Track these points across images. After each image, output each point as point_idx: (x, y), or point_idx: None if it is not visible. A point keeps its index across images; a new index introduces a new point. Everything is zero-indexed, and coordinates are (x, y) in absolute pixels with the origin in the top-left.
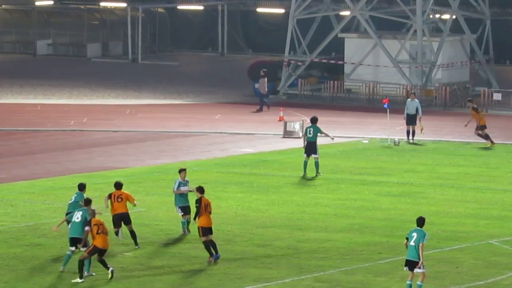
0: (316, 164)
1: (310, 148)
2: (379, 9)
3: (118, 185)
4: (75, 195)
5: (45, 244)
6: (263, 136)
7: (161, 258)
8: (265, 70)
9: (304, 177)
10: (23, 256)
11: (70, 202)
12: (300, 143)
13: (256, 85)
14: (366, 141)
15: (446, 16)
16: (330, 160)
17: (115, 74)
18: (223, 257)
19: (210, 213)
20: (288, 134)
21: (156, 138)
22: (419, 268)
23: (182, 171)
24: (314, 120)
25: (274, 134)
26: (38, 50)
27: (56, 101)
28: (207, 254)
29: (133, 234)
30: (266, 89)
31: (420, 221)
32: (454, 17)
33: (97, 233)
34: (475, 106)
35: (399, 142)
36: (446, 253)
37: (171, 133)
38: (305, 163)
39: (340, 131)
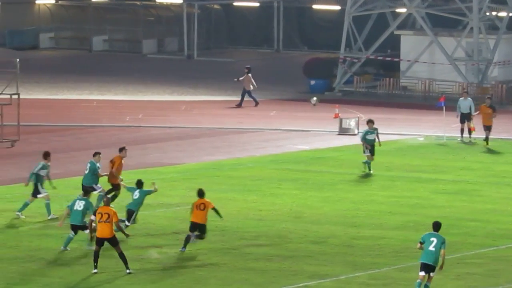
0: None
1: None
2: (435, 6)
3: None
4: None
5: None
6: (318, 133)
7: (215, 255)
8: (248, 66)
9: (366, 176)
10: (77, 251)
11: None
12: (355, 140)
13: (312, 82)
14: (422, 139)
15: (502, 14)
16: (385, 157)
17: (170, 71)
18: (278, 254)
19: (202, 210)
20: (343, 131)
21: (211, 135)
22: (434, 272)
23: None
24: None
25: (329, 131)
26: (94, 46)
27: (112, 97)
28: (262, 251)
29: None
30: (251, 86)
31: (437, 226)
32: (510, 14)
33: (99, 221)
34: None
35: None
36: (502, 251)
37: (226, 129)
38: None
39: (395, 128)
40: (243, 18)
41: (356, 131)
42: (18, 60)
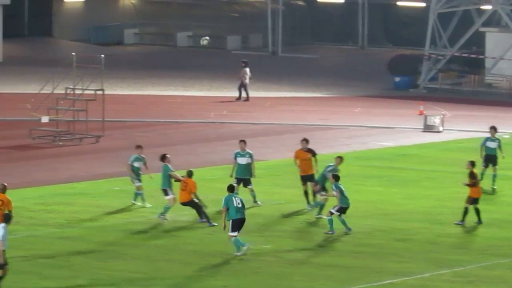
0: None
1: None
2: None
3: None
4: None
5: (183, 235)
6: (403, 130)
7: (300, 251)
8: (245, 60)
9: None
10: (163, 247)
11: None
12: (439, 137)
13: (397, 79)
14: (507, 136)
15: None
16: (471, 154)
17: (255, 67)
18: (362, 251)
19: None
20: (428, 128)
21: (295, 131)
22: None
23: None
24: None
25: (413, 128)
26: (178, 42)
27: (196, 93)
28: (346, 248)
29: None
30: (247, 80)
31: None
32: None
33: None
34: None
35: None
36: None
37: (310, 126)
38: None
39: (480, 125)
40: (328, 14)
41: (440, 128)
42: (103, 56)
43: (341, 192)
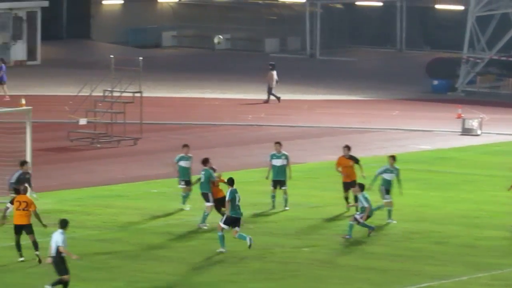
0: None
1: None
2: None
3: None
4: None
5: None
6: (441, 133)
7: (337, 254)
8: (272, 63)
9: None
10: (200, 249)
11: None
12: (477, 141)
13: (435, 82)
14: None
15: None
16: (509, 157)
17: (292, 69)
18: (400, 254)
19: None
20: (466, 131)
21: (332, 134)
22: None
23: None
24: None
25: (451, 131)
26: (216, 45)
27: (234, 95)
28: (384, 251)
29: None
30: (274, 83)
31: None
32: None
33: None
34: None
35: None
36: None
37: (348, 128)
38: None
39: None
40: (366, 17)
41: (478, 132)
42: (140, 58)
43: (368, 202)
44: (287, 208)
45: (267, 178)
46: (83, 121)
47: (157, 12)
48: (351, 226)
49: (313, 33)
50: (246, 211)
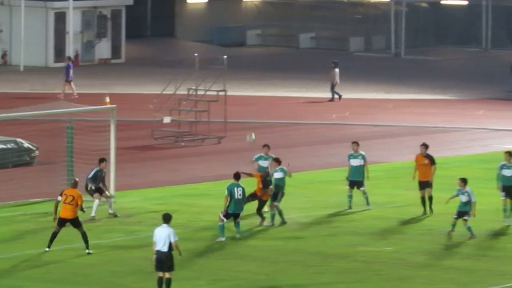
0: None
1: None
2: None
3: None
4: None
5: (306, 236)
6: None
7: (421, 254)
8: (335, 61)
9: None
10: (284, 248)
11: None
12: None
13: None
14: None
15: None
16: None
17: (377, 69)
18: (485, 254)
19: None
20: None
21: (416, 133)
22: None
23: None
24: None
25: None
26: (300, 43)
27: (318, 94)
28: (468, 251)
29: None
30: (337, 80)
31: None
32: None
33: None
34: None
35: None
36: None
37: (432, 128)
38: None
39: None
40: (451, 16)
41: None
42: (225, 57)
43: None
44: (369, 207)
45: (347, 178)
46: (167, 120)
47: (242, 11)
48: (469, 228)
49: (398, 32)
50: (328, 211)
